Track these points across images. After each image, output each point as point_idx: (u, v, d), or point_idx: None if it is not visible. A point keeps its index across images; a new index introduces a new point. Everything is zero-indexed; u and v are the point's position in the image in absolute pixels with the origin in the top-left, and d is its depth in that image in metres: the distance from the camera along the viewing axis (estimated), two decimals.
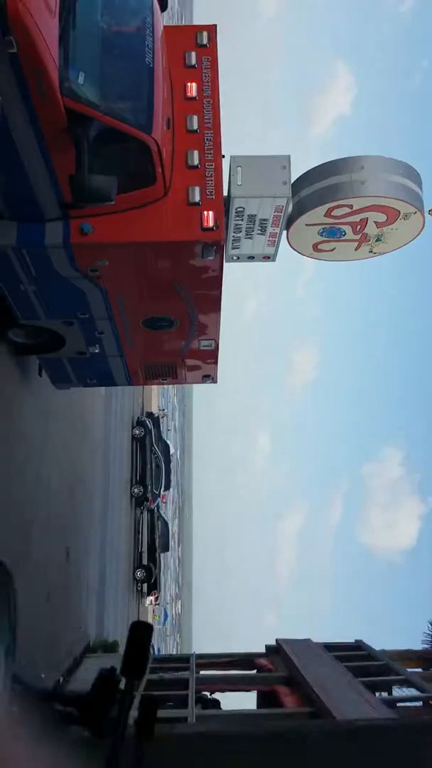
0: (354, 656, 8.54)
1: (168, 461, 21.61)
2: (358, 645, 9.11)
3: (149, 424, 19.12)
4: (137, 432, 18.48)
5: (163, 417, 27.39)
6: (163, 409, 32.34)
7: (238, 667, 9.82)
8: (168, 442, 24.06)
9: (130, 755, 0.84)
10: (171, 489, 26.06)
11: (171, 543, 26.69)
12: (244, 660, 9.82)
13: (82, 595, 10.11)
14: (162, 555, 21.98)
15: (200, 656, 9.90)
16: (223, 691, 8.80)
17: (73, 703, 0.87)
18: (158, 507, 20.19)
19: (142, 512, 19.12)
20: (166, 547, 22.79)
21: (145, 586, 19.50)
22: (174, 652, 35.38)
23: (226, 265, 6.09)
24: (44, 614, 7.22)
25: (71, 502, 9.39)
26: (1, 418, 6.46)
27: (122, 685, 0.82)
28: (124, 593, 16.86)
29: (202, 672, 9.15)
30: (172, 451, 26.78)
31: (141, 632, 0.78)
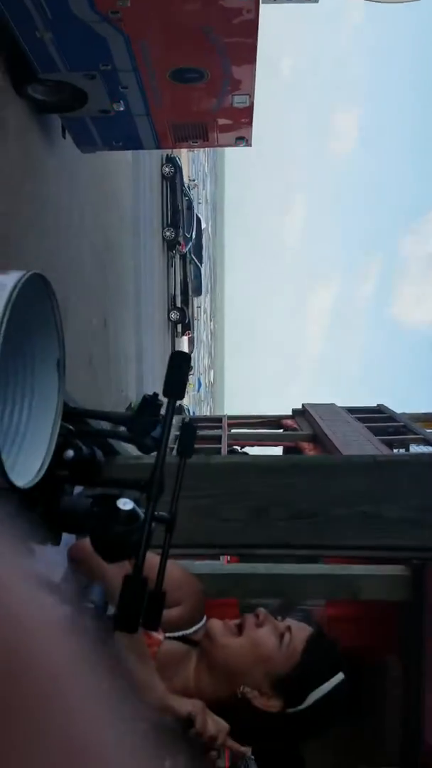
0: (375, 418, 9.12)
1: (199, 235, 21.19)
2: (380, 408, 9.69)
3: (179, 161, 17.96)
4: (167, 170, 17.17)
5: (194, 187, 26.25)
6: (194, 179, 30.96)
7: (266, 426, 10.65)
8: (199, 215, 23.37)
9: (172, 469, 0.96)
10: (203, 264, 25.93)
11: (204, 287, 27.07)
12: (272, 420, 10.60)
13: (121, 361, 10.70)
14: (195, 298, 22.64)
15: (231, 417, 10.68)
16: (252, 446, 9.64)
17: (120, 421, 0.96)
18: (190, 251, 19.85)
19: (174, 256, 18.89)
20: (198, 291, 23.28)
21: (179, 326, 20.25)
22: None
23: (262, 6, 5.37)
24: (86, 377, 7.73)
25: (104, 271, 9.49)
26: (28, 182, 6.28)
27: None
28: (161, 337, 17.50)
29: (233, 430, 9.95)
30: (203, 225, 26.15)
31: (180, 358, 0.83)
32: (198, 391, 39.90)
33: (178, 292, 19.52)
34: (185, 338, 22.51)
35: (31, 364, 0.68)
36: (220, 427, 9.71)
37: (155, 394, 0.91)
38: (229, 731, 1.16)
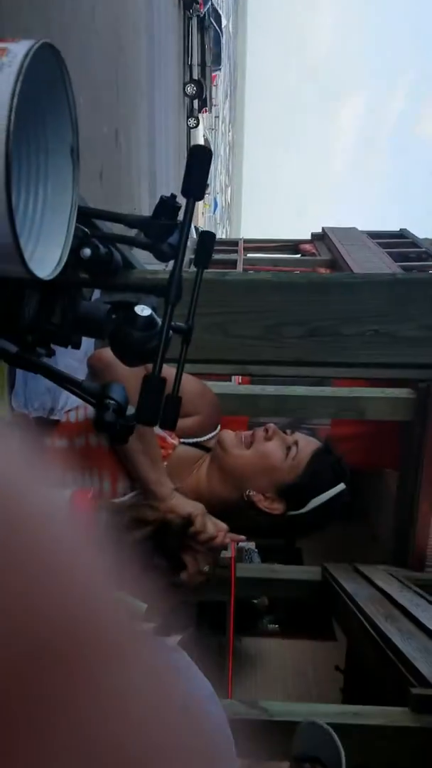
0: (396, 243, 8.87)
1: (218, 30, 19.00)
2: (402, 233, 9.39)
3: None
4: None
5: None
6: None
7: (284, 251, 10.40)
8: (219, 10, 20.83)
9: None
10: (222, 66, 23.60)
11: (222, 57, 24.23)
12: (290, 245, 10.34)
13: (133, 176, 10.22)
14: (214, 70, 20.45)
15: (248, 240, 10.42)
16: (268, 271, 9.49)
17: (136, 224, 0.91)
18: (209, 12, 17.38)
19: (191, 18, 16.59)
20: (217, 61, 20.89)
21: (195, 102, 18.12)
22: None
23: None
24: (98, 193, 7.43)
25: (116, 74, 8.75)
26: None
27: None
28: (176, 123, 16.14)
29: (249, 255, 9.75)
30: (224, 22, 23.50)
31: (200, 153, 0.75)
32: (214, 212, 38.47)
33: (195, 62, 17.13)
34: (200, 132, 20.35)
35: (45, 150, 0.65)
36: (236, 251, 9.53)
37: (173, 195, 0.86)
38: (229, 530, 1.25)
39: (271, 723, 1.74)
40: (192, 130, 18.71)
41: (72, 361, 1.14)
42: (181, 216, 0.85)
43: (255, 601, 4.68)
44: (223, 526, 1.23)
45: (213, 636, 3.86)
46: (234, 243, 10.32)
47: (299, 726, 1.15)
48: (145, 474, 1.23)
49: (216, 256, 9.51)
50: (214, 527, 1.22)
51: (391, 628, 2.36)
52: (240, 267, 8.37)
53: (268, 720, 1.75)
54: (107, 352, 1.00)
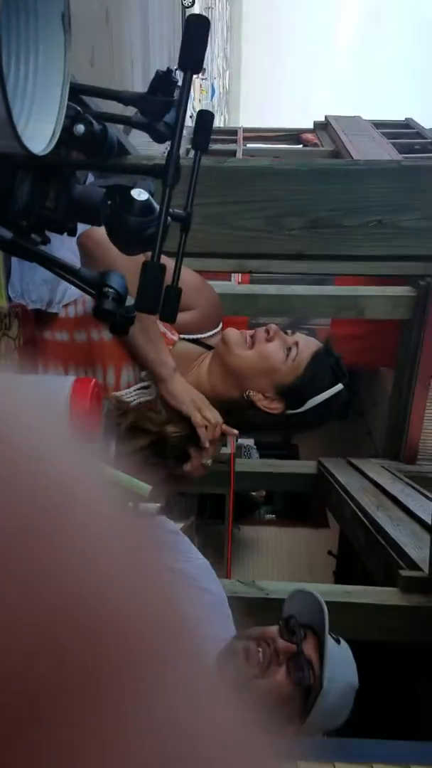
0: (402, 134, 8.50)
1: None
2: (408, 123, 8.97)
3: None
4: None
5: None
6: None
7: (285, 141, 9.96)
8: None
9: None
10: None
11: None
12: (291, 135, 9.89)
13: (125, 62, 9.60)
14: None
15: (247, 130, 9.95)
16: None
17: (130, 101, 0.84)
18: None
19: None
20: None
21: None
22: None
23: None
24: (88, 80, 7.01)
25: None
26: None
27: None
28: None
29: (249, 145, 9.34)
30: None
31: (197, 23, 0.69)
32: (211, 99, 36.37)
33: None
34: (196, 12, 18.96)
35: (35, 15, 0.60)
36: (234, 141, 9.13)
37: (169, 70, 0.81)
38: (224, 422, 1.28)
39: (268, 600, 1.85)
40: (187, 10, 17.46)
41: (68, 253, 1.11)
42: (177, 93, 0.81)
43: (253, 493, 4.89)
44: (219, 419, 1.26)
45: (213, 525, 4.05)
46: (233, 132, 9.87)
47: (289, 594, 1.23)
48: (145, 354, 1.24)
49: (214, 146, 9.12)
50: (215, 417, 1.25)
51: (382, 516, 2.46)
52: (239, 157, 8.04)
53: (264, 598, 1.87)
54: (98, 231, 0.97)
